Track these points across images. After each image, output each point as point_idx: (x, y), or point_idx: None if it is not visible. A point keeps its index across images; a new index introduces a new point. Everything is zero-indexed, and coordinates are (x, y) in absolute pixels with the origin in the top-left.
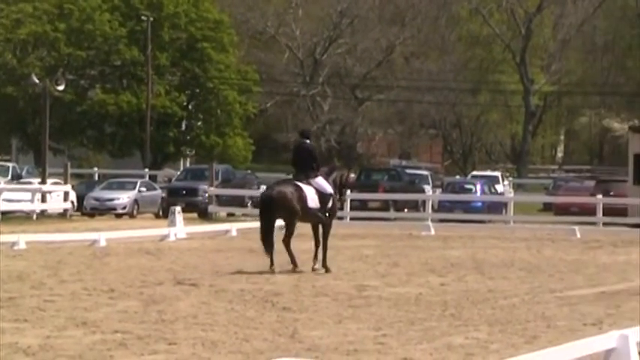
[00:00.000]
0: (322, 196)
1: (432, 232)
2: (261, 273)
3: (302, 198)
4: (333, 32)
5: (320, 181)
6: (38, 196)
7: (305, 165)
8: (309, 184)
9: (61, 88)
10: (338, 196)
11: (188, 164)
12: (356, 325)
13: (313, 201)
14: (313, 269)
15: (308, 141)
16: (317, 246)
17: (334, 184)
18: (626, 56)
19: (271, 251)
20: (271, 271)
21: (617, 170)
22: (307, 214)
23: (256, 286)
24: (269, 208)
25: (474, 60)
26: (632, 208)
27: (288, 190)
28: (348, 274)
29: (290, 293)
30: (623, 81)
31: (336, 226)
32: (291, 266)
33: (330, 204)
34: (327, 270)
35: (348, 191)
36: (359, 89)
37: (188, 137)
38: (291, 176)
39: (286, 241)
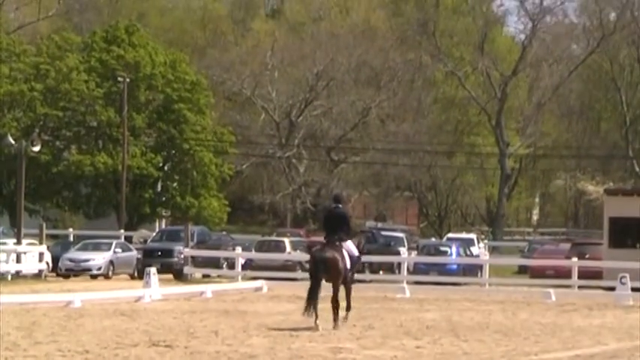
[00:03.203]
0: (351, 258)
1: (408, 294)
2: (235, 335)
3: (345, 261)
4: (309, 94)
5: (350, 244)
6: (13, 256)
7: (338, 229)
8: (342, 247)
9: (36, 148)
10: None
11: (163, 225)
12: None
13: (349, 264)
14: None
15: (340, 206)
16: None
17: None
18: (601, 120)
19: (316, 307)
20: (316, 326)
21: (593, 233)
22: (345, 277)
23: (231, 348)
24: (322, 270)
25: (450, 122)
26: (607, 271)
27: (339, 254)
28: (323, 337)
29: (265, 355)
30: (598, 144)
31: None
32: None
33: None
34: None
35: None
36: (334, 151)
37: (164, 198)
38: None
39: (334, 301)
